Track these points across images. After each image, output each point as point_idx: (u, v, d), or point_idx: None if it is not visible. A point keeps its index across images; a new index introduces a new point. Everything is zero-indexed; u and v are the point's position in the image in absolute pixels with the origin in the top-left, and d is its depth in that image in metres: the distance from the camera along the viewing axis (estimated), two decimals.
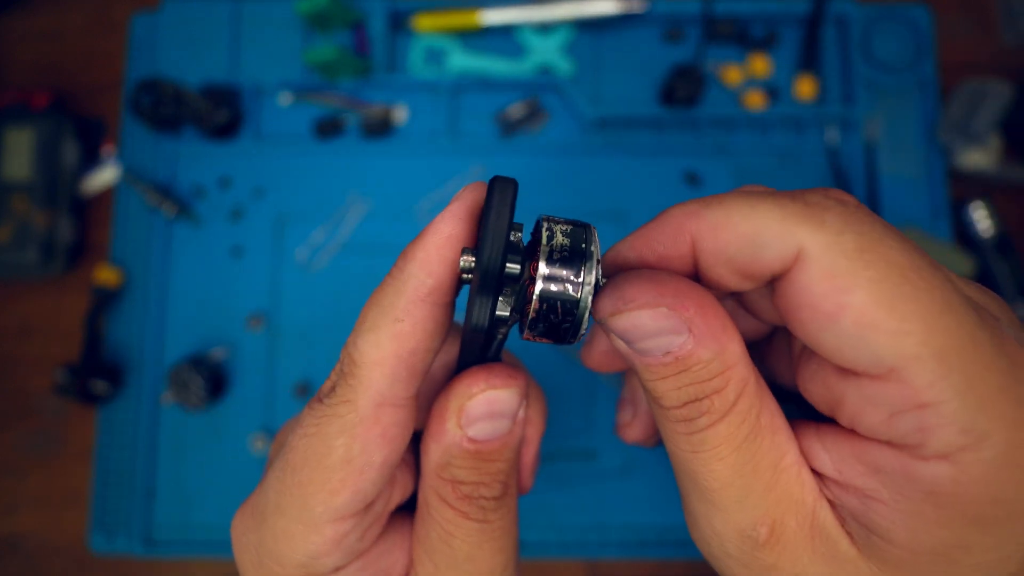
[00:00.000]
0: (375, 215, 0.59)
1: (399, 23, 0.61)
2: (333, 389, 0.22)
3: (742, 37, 0.60)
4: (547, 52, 0.60)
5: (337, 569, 0.23)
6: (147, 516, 0.55)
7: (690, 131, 0.59)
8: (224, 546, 0.54)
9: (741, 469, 0.20)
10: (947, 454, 0.18)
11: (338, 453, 0.22)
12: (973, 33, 0.62)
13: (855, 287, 0.18)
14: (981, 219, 0.57)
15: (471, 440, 0.23)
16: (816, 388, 0.21)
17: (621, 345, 0.21)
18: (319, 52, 0.55)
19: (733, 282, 0.21)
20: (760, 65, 0.60)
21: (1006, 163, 0.58)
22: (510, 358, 0.27)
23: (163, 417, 0.56)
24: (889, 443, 0.19)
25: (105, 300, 0.57)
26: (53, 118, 0.59)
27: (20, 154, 0.58)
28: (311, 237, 0.58)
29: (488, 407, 0.23)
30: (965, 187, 0.59)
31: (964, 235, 0.58)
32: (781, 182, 0.58)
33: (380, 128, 0.59)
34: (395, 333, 0.22)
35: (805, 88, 0.59)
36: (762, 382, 0.21)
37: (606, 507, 0.54)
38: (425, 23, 0.59)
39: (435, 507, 0.24)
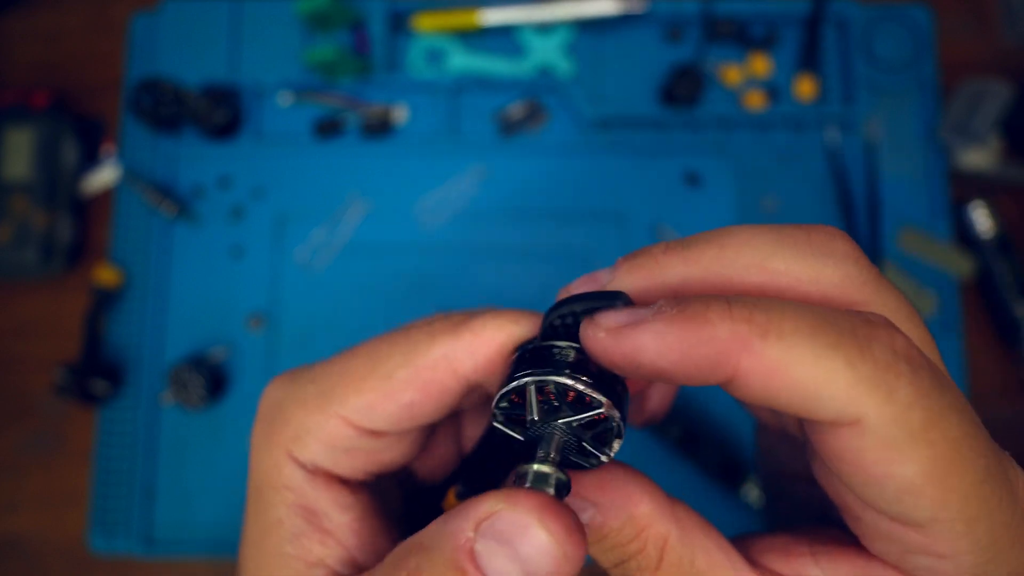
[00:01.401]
0: (375, 215, 0.59)
1: (399, 23, 0.61)
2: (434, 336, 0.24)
3: (742, 37, 0.60)
4: (547, 52, 0.60)
5: (336, 482, 0.25)
6: (147, 516, 0.55)
7: (690, 131, 0.59)
8: (224, 545, 0.54)
9: None
10: None
11: (431, 355, 0.24)
12: (973, 33, 0.62)
13: (908, 461, 0.17)
14: (981, 219, 0.57)
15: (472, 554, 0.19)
16: (833, 494, 0.21)
17: None
18: (319, 52, 0.55)
19: (755, 408, 0.21)
20: (760, 65, 0.60)
21: (1006, 163, 0.58)
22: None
23: (163, 417, 0.56)
24: (896, 568, 0.20)
25: (105, 300, 0.57)
26: (53, 118, 0.59)
27: (20, 154, 0.58)
28: (311, 237, 0.58)
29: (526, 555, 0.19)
30: (965, 187, 0.59)
31: (964, 235, 0.58)
32: (781, 182, 0.58)
33: (380, 128, 0.59)
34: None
35: (805, 88, 0.59)
36: (689, 527, 0.21)
37: None
38: (425, 23, 0.59)
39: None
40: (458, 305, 0.57)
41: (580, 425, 0.21)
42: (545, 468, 0.19)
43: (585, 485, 0.20)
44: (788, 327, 0.17)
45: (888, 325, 0.18)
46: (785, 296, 0.20)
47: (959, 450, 0.18)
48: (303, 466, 0.24)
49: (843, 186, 0.58)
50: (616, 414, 0.20)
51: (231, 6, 0.61)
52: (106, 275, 0.57)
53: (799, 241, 0.21)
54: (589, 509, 0.21)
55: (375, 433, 0.24)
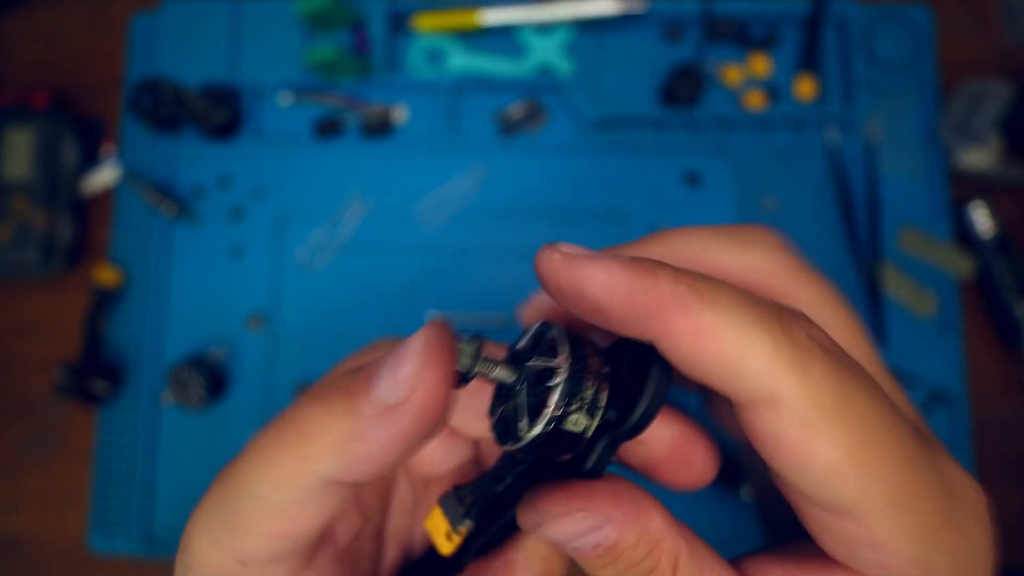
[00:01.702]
0: (375, 215, 0.59)
1: (399, 23, 0.61)
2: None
3: (742, 37, 0.60)
4: (547, 52, 0.60)
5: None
6: (147, 516, 0.55)
7: (690, 131, 0.59)
8: None
9: None
10: None
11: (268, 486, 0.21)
12: (973, 33, 0.62)
13: (825, 441, 0.18)
14: (981, 219, 0.57)
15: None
16: (783, 491, 0.21)
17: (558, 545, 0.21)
18: (319, 52, 0.55)
19: (682, 371, 0.21)
20: (760, 65, 0.60)
21: (1006, 163, 0.58)
22: None
23: (163, 417, 0.56)
24: (851, 569, 0.21)
25: (105, 300, 0.57)
26: (53, 118, 0.59)
27: (20, 154, 0.58)
28: (311, 237, 0.58)
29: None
30: (965, 187, 0.59)
31: (964, 235, 0.58)
32: (781, 182, 0.58)
33: (380, 128, 0.59)
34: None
35: (805, 88, 0.59)
36: (694, 542, 0.22)
37: None
38: (425, 23, 0.59)
39: None
40: (458, 305, 0.57)
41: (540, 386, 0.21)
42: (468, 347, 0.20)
43: (599, 500, 0.20)
44: (723, 299, 0.19)
45: (806, 318, 0.20)
46: None
47: (875, 431, 0.18)
48: None
49: (843, 186, 0.58)
50: (566, 367, 0.20)
51: (231, 6, 0.61)
52: (106, 275, 0.57)
53: (732, 235, 0.24)
54: (605, 526, 0.20)
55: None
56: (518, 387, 0.21)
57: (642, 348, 0.20)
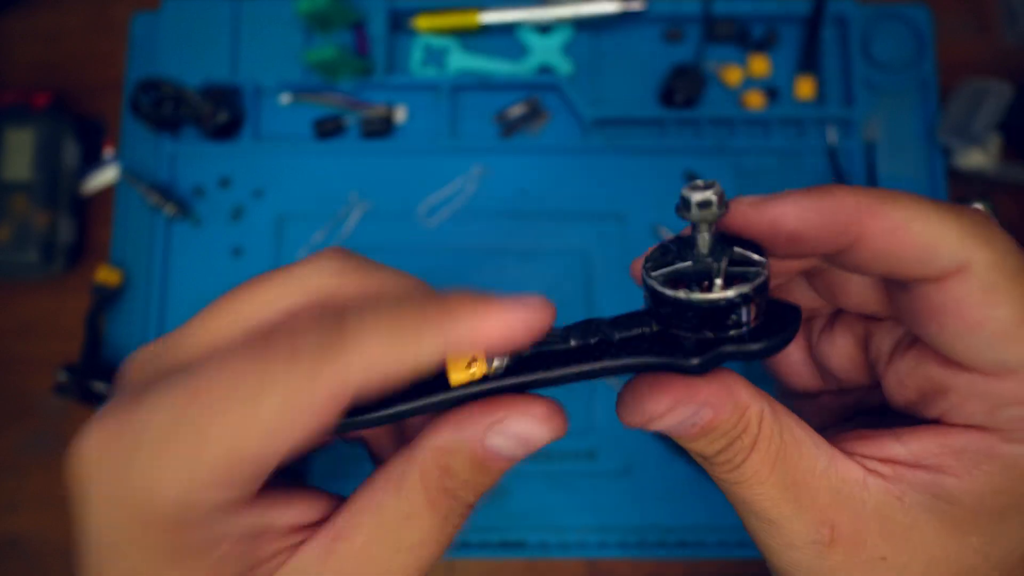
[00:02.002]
0: (375, 215, 0.59)
1: (399, 23, 0.61)
2: (298, 349, 0.19)
3: (742, 37, 0.60)
4: (547, 52, 0.60)
5: (217, 509, 0.20)
6: None
7: (690, 131, 0.59)
8: None
9: (781, 485, 0.23)
10: None
11: (266, 418, 0.19)
12: (973, 33, 0.62)
13: (1005, 303, 0.20)
14: None
15: (485, 448, 0.22)
16: (915, 381, 0.24)
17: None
18: (319, 52, 0.55)
19: (870, 278, 0.24)
20: (760, 65, 0.60)
21: (1006, 163, 0.58)
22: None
23: None
24: (980, 427, 0.22)
25: (105, 300, 0.57)
26: (53, 118, 0.59)
27: (20, 154, 0.58)
28: (311, 237, 0.58)
29: (528, 432, 0.22)
30: (965, 187, 0.59)
31: None
32: (781, 182, 0.58)
33: (380, 128, 0.59)
34: (406, 353, 0.20)
35: (805, 88, 0.59)
36: (775, 403, 0.23)
37: (606, 507, 0.54)
38: (425, 23, 0.59)
39: (413, 486, 0.22)
40: None
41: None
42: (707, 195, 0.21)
43: (697, 391, 0.22)
44: (903, 198, 0.21)
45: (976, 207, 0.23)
46: None
47: None
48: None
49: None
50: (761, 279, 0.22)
51: (231, 6, 0.61)
52: (106, 275, 0.57)
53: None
54: (704, 410, 0.22)
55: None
56: (711, 258, 0.22)
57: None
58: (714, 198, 0.21)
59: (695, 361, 0.21)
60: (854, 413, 0.29)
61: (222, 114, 0.58)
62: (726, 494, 0.24)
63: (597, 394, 0.56)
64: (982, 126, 0.55)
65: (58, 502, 0.57)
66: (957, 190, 0.59)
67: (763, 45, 0.60)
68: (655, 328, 0.23)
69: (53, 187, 0.59)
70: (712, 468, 0.24)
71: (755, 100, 0.59)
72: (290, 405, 0.19)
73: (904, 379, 0.24)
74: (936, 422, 0.23)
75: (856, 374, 0.28)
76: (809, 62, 0.60)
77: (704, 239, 0.22)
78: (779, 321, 0.23)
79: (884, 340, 0.26)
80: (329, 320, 0.20)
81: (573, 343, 0.23)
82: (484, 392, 0.22)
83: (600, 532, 0.54)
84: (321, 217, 0.58)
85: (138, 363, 0.23)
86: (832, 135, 0.59)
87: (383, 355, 0.19)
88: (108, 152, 0.62)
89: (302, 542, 0.22)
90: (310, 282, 0.23)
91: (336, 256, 0.24)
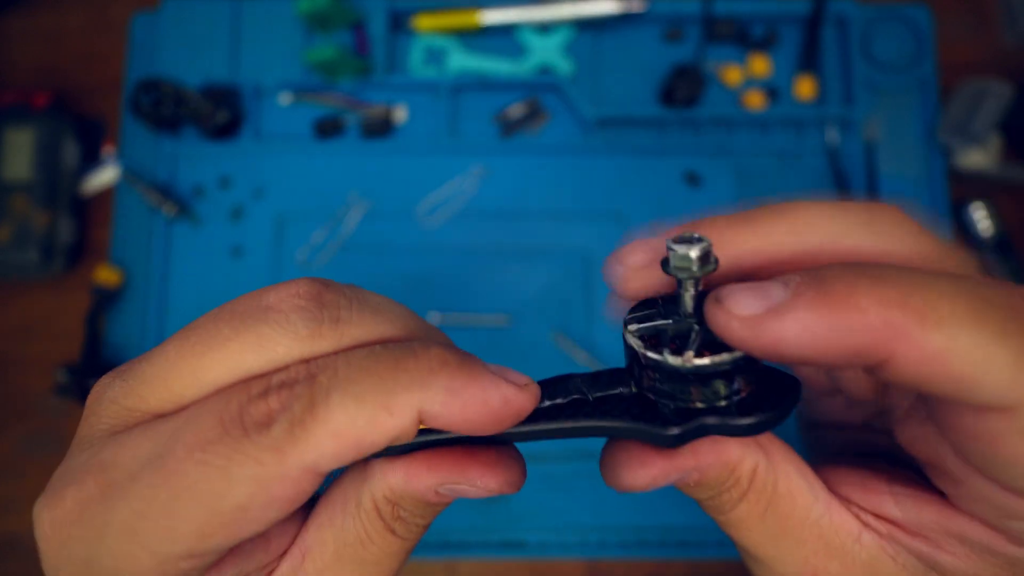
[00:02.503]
0: (375, 215, 0.59)
1: (399, 23, 0.61)
2: (269, 426, 0.19)
3: (742, 37, 0.60)
4: (547, 52, 0.60)
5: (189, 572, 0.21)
6: None
7: (690, 131, 0.59)
8: None
9: (769, 532, 0.22)
10: None
11: (237, 500, 0.19)
12: (973, 33, 0.62)
13: None
14: (981, 219, 0.57)
15: (437, 495, 0.22)
16: (927, 454, 0.21)
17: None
18: (319, 52, 0.55)
19: (904, 386, 0.21)
20: (760, 65, 0.60)
21: (1006, 163, 0.58)
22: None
23: None
24: (986, 523, 0.20)
25: (105, 300, 0.57)
26: (53, 118, 0.59)
27: (20, 154, 0.58)
28: (311, 237, 0.58)
29: (474, 494, 0.22)
30: (965, 187, 0.59)
31: (964, 235, 0.58)
32: (781, 182, 0.58)
33: (380, 128, 0.59)
34: (375, 423, 0.19)
35: (805, 88, 0.59)
36: (772, 451, 0.22)
37: (606, 507, 0.54)
38: (425, 23, 0.59)
39: (368, 514, 0.23)
40: (458, 305, 0.57)
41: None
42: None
43: (676, 463, 0.21)
44: (946, 310, 0.17)
45: None
46: None
47: None
48: None
49: (843, 186, 0.58)
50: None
51: (231, 6, 0.61)
52: (106, 275, 0.57)
53: (862, 216, 0.21)
54: (691, 474, 0.22)
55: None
56: (695, 319, 0.20)
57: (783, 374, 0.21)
58: (694, 256, 0.19)
59: (673, 431, 0.20)
60: (878, 450, 0.27)
61: (222, 114, 0.58)
62: (722, 529, 0.24)
63: None
64: (982, 126, 0.55)
65: None
66: (957, 190, 0.59)
67: (763, 45, 0.60)
68: (633, 389, 0.21)
69: (53, 187, 0.59)
70: (706, 509, 0.24)
71: (755, 100, 0.59)
72: (261, 487, 0.19)
73: (916, 444, 0.22)
74: (940, 492, 0.22)
75: (870, 412, 0.27)
76: (809, 62, 0.60)
77: (688, 296, 0.20)
78: (775, 392, 0.20)
79: (902, 396, 0.24)
80: (297, 395, 0.19)
81: (547, 403, 0.21)
82: (446, 441, 0.22)
83: (600, 532, 0.54)
84: (321, 217, 0.58)
85: (103, 405, 0.22)
86: (832, 135, 0.59)
87: (353, 424, 0.19)
88: (108, 152, 0.62)
89: (277, 567, 0.23)
90: (273, 353, 0.21)
91: (309, 314, 0.21)
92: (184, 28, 0.61)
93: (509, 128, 0.59)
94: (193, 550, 0.19)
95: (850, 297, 0.17)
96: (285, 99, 0.60)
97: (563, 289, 0.57)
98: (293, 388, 0.19)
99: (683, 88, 0.58)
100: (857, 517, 0.22)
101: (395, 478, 0.22)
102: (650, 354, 0.20)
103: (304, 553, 0.23)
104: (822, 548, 0.22)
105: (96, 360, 0.56)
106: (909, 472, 0.23)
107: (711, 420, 0.20)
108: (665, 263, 0.20)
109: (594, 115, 0.58)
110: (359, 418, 0.19)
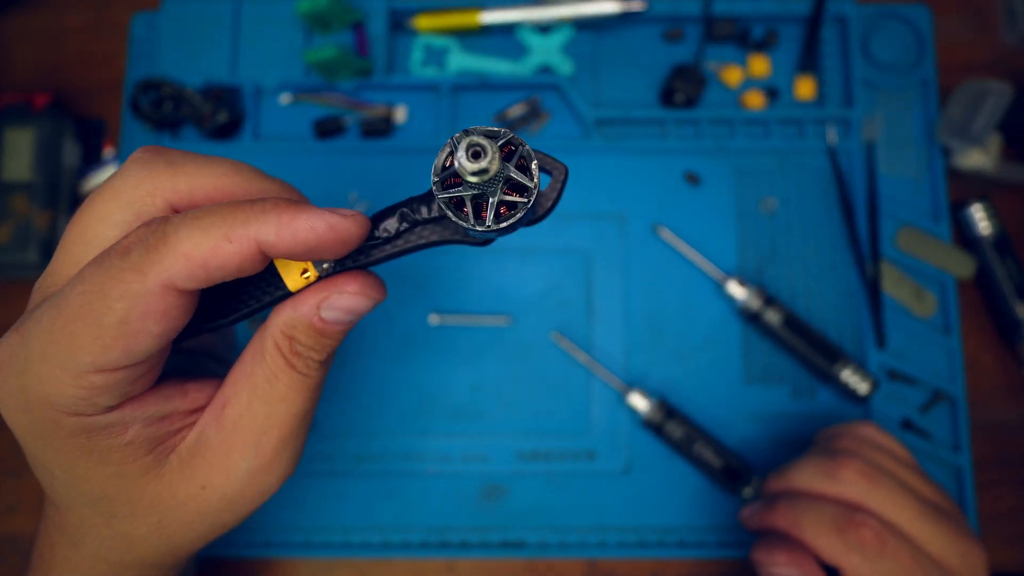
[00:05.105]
0: None
1: (399, 23, 0.61)
2: (128, 253, 0.24)
3: (742, 37, 0.60)
4: (547, 52, 0.60)
5: (110, 409, 0.26)
6: None
7: (690, 131, 0.59)
8: (223, 543, 0.54)
9: None
10: None
11: (116, 315, 0.24)
12: (973, 33, 0.62)
13: None
14: (981, 219, 0.57)
15: (321, 320, 0.28)
16: None
17: None
18: (319, 52, 0.55)
19: None
20: (760, 65, 0.60)
21: (1006, 163, 0.58)
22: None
23: None
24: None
25: None
26: (53, 118, 0.59)
27: (20, 154, 0.58)
28: None
29: (349, 305, 0.28)
30: (965, 187, 0.59)
31: (964, 235, 0.58)
32: (781, 182, 0.58)
33: (380, 128, 0.59)
34: (218, 249, 0.24)
35: (805, 88, 0.59)
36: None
37: (606, 507, 0.54)
38: (425, 23, 0.59)
39: (270, 353, 0.28)
40: (458, 305, 0.57)
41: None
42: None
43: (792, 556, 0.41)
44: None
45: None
46: None
47: None
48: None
49: (843, 186, 0.58)
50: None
51: (231, 6, 0.61)
52: None
53: (826, 472, 0.43)
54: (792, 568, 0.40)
55: (138, 363, 0.26)
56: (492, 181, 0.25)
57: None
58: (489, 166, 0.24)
59: (478, 228, 0.25)
60: None
61: (222, 114, 0.58)
62: None
63: (596, 395, 0.56)
64: (982, 126, 0.55)
65: None
66: (957, 190, 0.59)
67: (763, 45, 0.60)
68: (435, 211, 0.27)
69: (53, 187, 0.59)
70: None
71: (755, 100, 0.59)
72: (133, 303, 0.24)
73: None
74: None
75: None
76: (809, 62, 0.60)
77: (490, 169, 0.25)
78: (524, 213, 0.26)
79: None
80: (152, 229, 0.24)
81: (383, 234, 0.28)
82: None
83: (600, 532, 0.54)
84: None
85: (33, 293, 0.28)
86: (832, 135, 0.59)
87: (198, 248, 0.24)
88: (108, 152, 0.62)
89: (201, 416, 0.29)
90: (126, 195, 0.27)
91: (144, 159, 0.27)
92: (184, 28, 0.61)
93: (509, 128, 0.59)
94: (98, 362, 0.24)
95: (774, 510, 0.43)
96: (285, 99, 0.60)
97: (563, 289, 0.57)
98: (150, 225, 0.24)
99: (683, 88, 0.58)
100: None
101: (285, 311, 0.28)
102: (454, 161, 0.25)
103: (224, 403, 0.29)
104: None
105: None
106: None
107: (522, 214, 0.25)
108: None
109: (594, 115, 0.58)
110: (203, 244, 0.24)
